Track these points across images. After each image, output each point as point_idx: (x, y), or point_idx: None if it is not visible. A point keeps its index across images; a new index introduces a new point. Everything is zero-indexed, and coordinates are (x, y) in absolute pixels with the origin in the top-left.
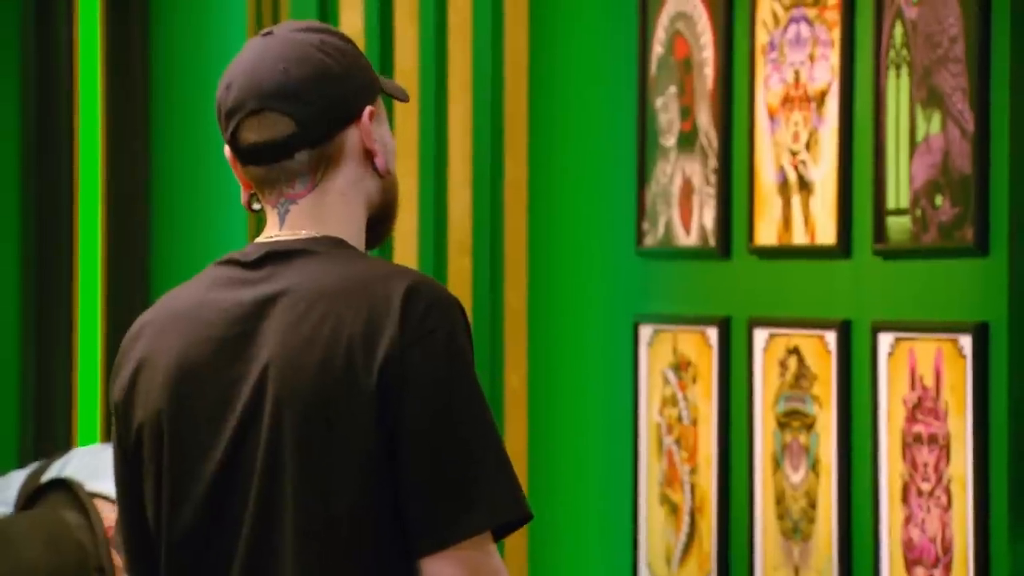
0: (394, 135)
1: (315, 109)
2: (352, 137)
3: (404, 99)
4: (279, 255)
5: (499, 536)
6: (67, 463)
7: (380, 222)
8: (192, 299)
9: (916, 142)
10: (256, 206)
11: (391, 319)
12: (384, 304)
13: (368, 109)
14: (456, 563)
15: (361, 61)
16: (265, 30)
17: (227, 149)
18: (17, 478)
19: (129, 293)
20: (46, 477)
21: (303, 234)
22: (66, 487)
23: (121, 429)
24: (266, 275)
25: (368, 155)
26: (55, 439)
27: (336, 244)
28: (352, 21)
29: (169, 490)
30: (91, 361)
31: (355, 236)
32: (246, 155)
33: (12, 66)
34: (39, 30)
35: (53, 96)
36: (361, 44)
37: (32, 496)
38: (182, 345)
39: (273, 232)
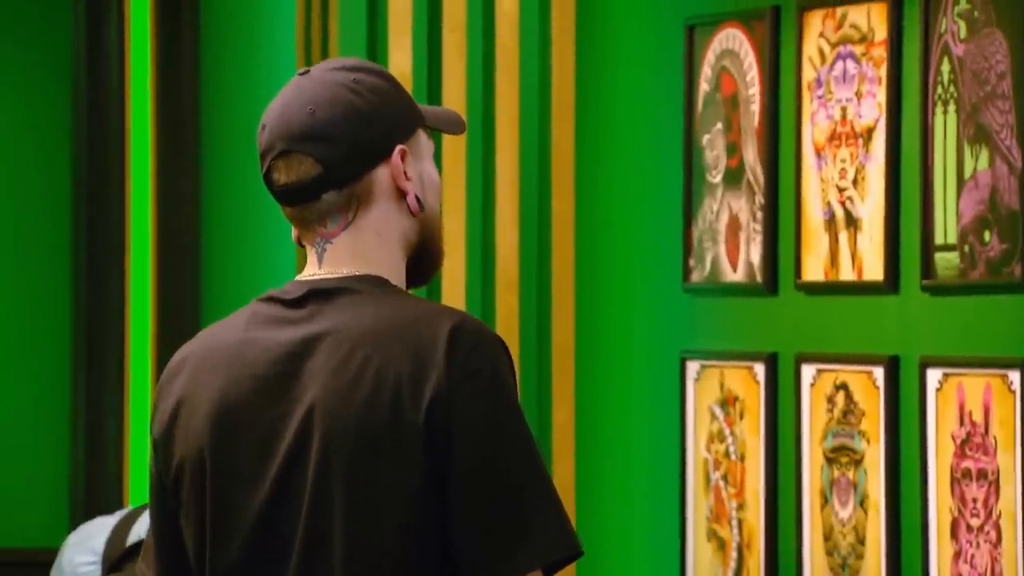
0: (441, 173)
1: (341, 150)
2: (382, 176)
3: (457, 131)
4: (321, 293)
5: (550, 572)
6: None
7: (422, 260)
8: (233, 337)
9: (964, 178)
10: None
11: (437, 359)
12: (430, 344)
13: (399, 148)
14: None
15: (397, 98)
16: (303, 69)
17: None
18: (101, 526)
19: (179, 328)
20: (133, 533)
21: (344, 272)
22: None
23: (160, 465)
24: (308, 314)
25: (401, 194)
26: (107, 474)
27: (378, 283)
28: (400, 60)
29: (213, 526)
30: (142, 394)
31: (395, 274)
32: (279, 196)
33: (64, 92)
34: (90, 57)
35: (105, 125)
36: (408, 83)
37: (120, 558)
38: (224, 383)
39: (313, 270)
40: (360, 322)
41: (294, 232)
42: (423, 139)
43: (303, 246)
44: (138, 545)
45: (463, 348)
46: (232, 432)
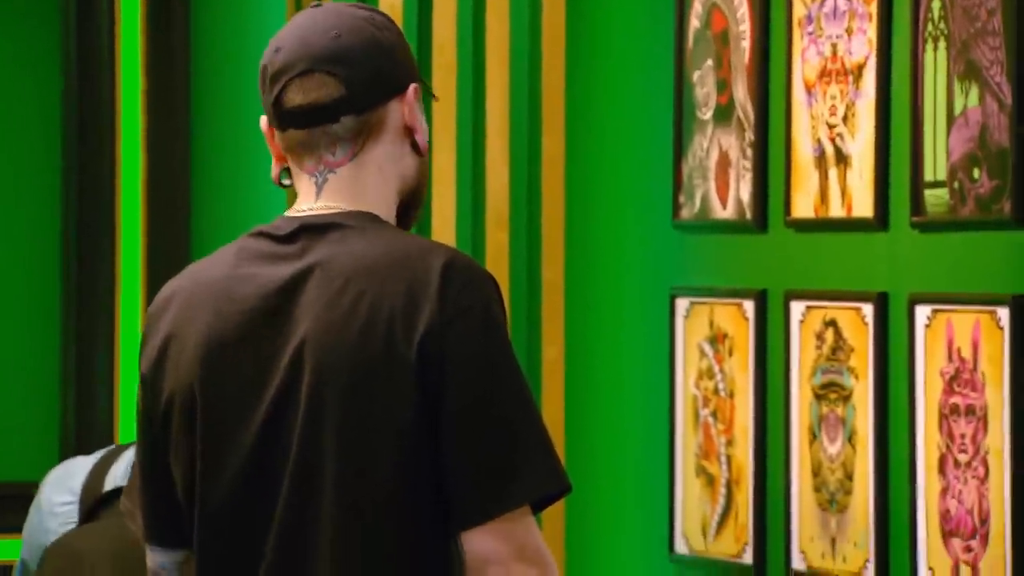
0: (431, 111)
1: (365, 75)
2: (395, 111)
3: (434, 96)
4: (312, 228)
5: (539, 508)
6: (129, 464)
7: (410, 205)
8: (222, 272)
9: (954, 115)
10: (287, 181)
11: (429, 295)
12: (422, 280)
13: (414, 87)
14: (498, 536)
15: (405, 43)
16: (314, 3)
17: (263, 120)
18: (81, 466)
19: (169, 263)
20: (110, 477)
21: (340, 206)
22: None
23: (148, 400)
24: (299, 250)
25: (408, 132)
26: (97, 409)
27: (371, 219)
28: None
29: (204, 461)
30: (132, 329)
31: (388, 213)
32: (290, 118)
33: (54, 53)
34: (80, 24)
35: (94, 72)
36: (399, 20)
37: (97, 502)
38: (214, 319)
39: (308, 203)
40: (353, 257)
41: (275, 169)
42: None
43: (283, 185)
44: (115, 492)
45: (455, 284)
46: (222, 367)
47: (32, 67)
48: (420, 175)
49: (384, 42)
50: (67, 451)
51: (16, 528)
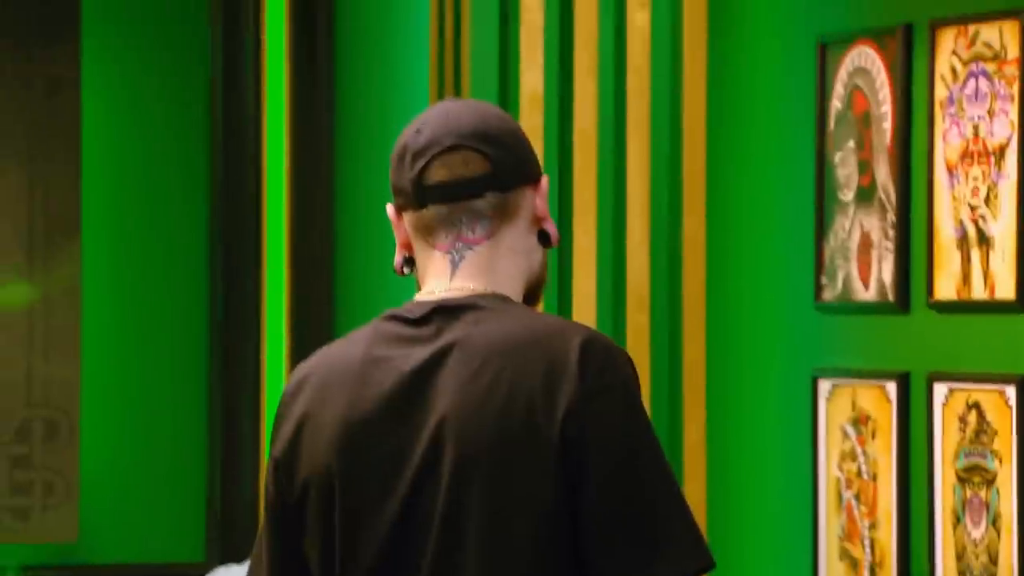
0: (573, 190)
1: (508, 156)
2: (529, 199)
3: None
4: (447, 310)
5: None
6: None
7: (534, 297)
8: (357, 356)
9: None
10: (407, 270)
11: (569, 373)
12: (562, 358)
13: (546, 177)
14: None
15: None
16: (450, 97)
17: (391, 208)
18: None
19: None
20: None
21: (471, 287)
22: None
23: (282, 483)
24: (434, 331)
25: (538, 223)
26: (243, 490)
27: (503, 300)
28: (532, 80)
29: (343, 546)
30: None
31: (517, 297)
32: (433, 193)
33: (202, 109)
34: (227, 77)
35: (242, 156)
36: (540, 103)
37: None
38: (350, 402)
39: (441, 283)
40: (489, 337)
41: (398, 256)
42: None
43: (403, 273)
44: None
45: (595, 362)
46: (360, 451)
47: (181, 144)
48: (544, 269)
49: (520, 131)
50: (213, 530)
51: None
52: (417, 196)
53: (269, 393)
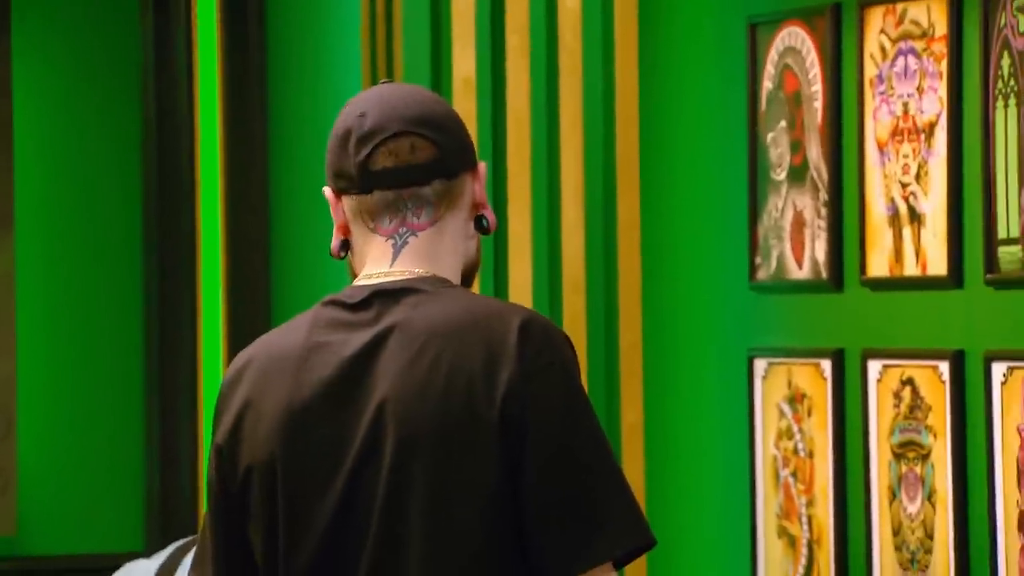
0: (506, 175)
1: (453, 143)
2: (469, 186)
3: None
4: (386, 294)
5: (623, 564)
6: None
7: (464, 283)
8: (296, 341)
9: None
10: (343, 254)
11: (508, 354)
12: (500, 339)
13: (483, 164)
14: None
15: None
16: (384, 80)
17: (328, 190)
18: (143, 570)
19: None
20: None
21: (414, 271)
22: None
23: (225, 470)
24: (374, 316)
25: (476, 209)
26: (180, 479)
27: (444, 283)
28: (464, 65)
29: (286, 531)
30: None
31: (455, 278)
32: (379, 178)
33: (135, 100)
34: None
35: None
36: (472, 88)
37: None
38: (291, 389)
39: (381, 267)
40: (428, 318)
41: (335, 240)
42: None
43: (340, 257)
44: None
45: (534, 343)
46: (301, 438)
47: (114, 134)
48: (478, 254)
49: (458, 117)
50: (152, 520)
51: None
52: (362, 181)
53: (206, 382)
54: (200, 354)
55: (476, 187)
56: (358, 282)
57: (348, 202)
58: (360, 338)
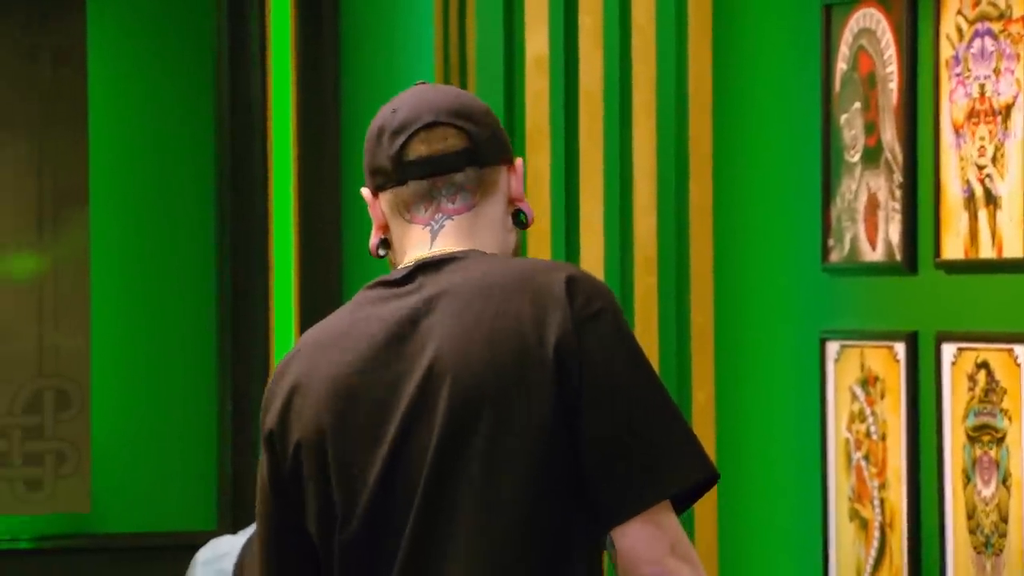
0: (578, 157)
1: (485, 133)
2: (504, 179)
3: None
4: (428, 266)
5: (688, 502)
6: None
7: None
8: (341, 322)
9: None
10: (383, 252)
11: (557, 302)
12: (547, 291)
13: (520, 159)
14: (651, 531)
15: None
16: (420, 81)
17: (365, 190)
18: (229, 545)
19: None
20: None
21: (452, 249)
22: None
23: (278, 453)
24: (417, 286)
25: (512, 204)
26: (253, 455)
27: (482, 254)
28: (537, 45)
29: (340, 498)
30: None
31: None
32: (413, 168)
33: (208, 97)
34: (233, 54)
35: (249, 125)
36: (545, 68)
37: None
38: (336, 361)
39: (422, 252)
40: (472, 280)
41: (374, 237)
42: None
43: (379, 255)
44: None
45: (582, 292)
46: (351, 405)
47: (188, 111)
48: (517, 249)
49: (493, 113)
50: (224, 498)
51: None
52: (397, 172)
53: (279, 359)
54: (272, 333)
55: (513, 182)
56: (401, 265)
57: (385, 198)
58: (406, 303)
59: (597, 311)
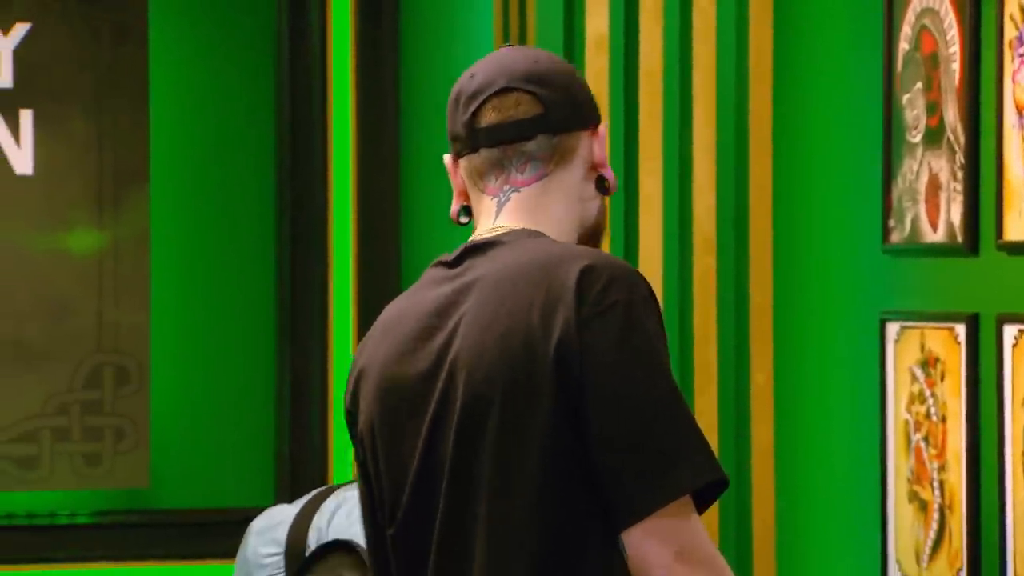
0: (638, 136)
1: (561, 98)
2: (585, 144)
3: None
4: (476, 249)
5: (703, 503)
6: (335, 513)
7: (588, 245)
8: (403, 305)
9: None
10: (464, 219)
11: (565, 299)
12: (561, 284)
13: (604, 125)
14: (658, 535)
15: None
16: (506, 44)
17: (447, 157)
18: (285, 514)
19: (380, 300)
20: (313, 528)
21: (509, 227)
22: (346, 547)
23: (353, 431)
24: (462, 270)
25: (595, 169)
26: (311, 435)
27: (530, 234)
28: (597, 24)
29: (388, 485)
30: (344, 363)
31: (565, 236)
32: (484, 135)
33: (268, 73)
34: (293, 41)
35: (309, 107)
36: (605, 47)
37: (306, 560)
38: (387, 348)
39: (486, 225)
40: (500, 269)
41: (455, 205)
42: None
43: (460, 222)
44: (325, 547)
45: (596, 284)
46: (393, 395)
47: (248, 93)
48: (602, 216)
49: (576, 75)
50: (282, 475)
51: (233, 554)
52: (470, 139)
53: (336, 338)
54: (331, 315)
55: (596, 147)
56: (471, 238)
57: (463, 164)
58: (448, 289)
59: (610, 305)
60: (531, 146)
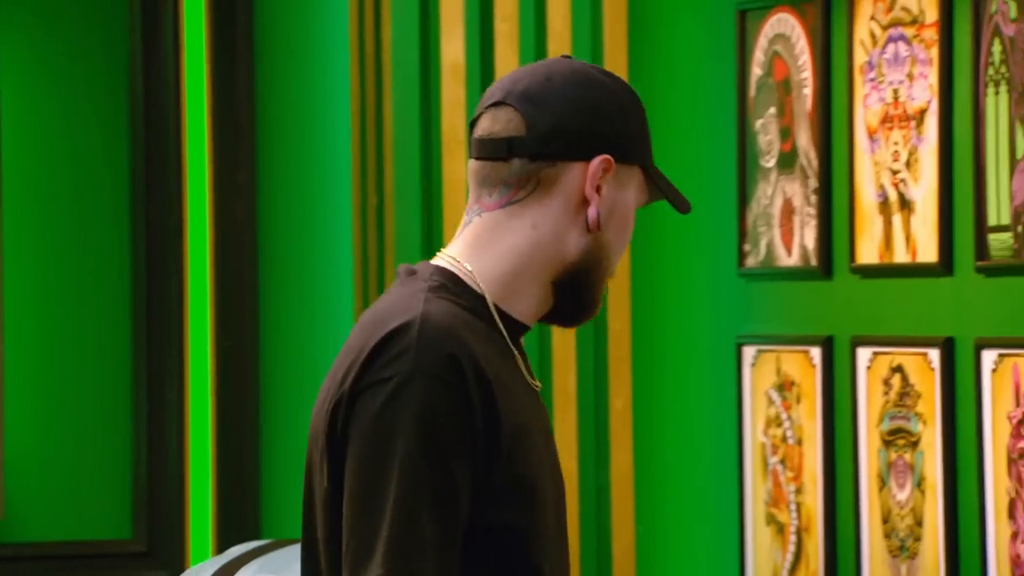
0: None
1: (552, 121)
2: (575, 179)
3: (682, 208)
4: (401, 274)
5: None
6: (264, 567)
7: (578, 286)
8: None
9: (1016, 159)
10: None
11: (355, 365)
12: (366, 344)
13: (604, 157)
14: None
15: (636, 122)
16: (564, 55)
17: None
18: (201, 567)
19: (238, 324)
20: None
21: (446, 259)
22: None
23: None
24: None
25: (583, 204)
26: (168, 466)
27: (432, 276)
28: (452, 51)
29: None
30: (201, 390)
31: (524, 277)
32: (473, 146)
33: (122, 91)
34: (147, 56)
35: (163, 135)
36: (461, 74)
37: None
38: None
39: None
40: (370, 310)
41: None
42: (637, 179)
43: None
44: None
45: (386, 353)
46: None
47: (101, 118)
48: (589, 257)
49: (599, 104)
50: (139, 507)
51: None
52: (468, 146)
53: (193, 369)
54: (187, 342)
55: (587, 179)
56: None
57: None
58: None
59: (382, 379)
60: (504, 169)
